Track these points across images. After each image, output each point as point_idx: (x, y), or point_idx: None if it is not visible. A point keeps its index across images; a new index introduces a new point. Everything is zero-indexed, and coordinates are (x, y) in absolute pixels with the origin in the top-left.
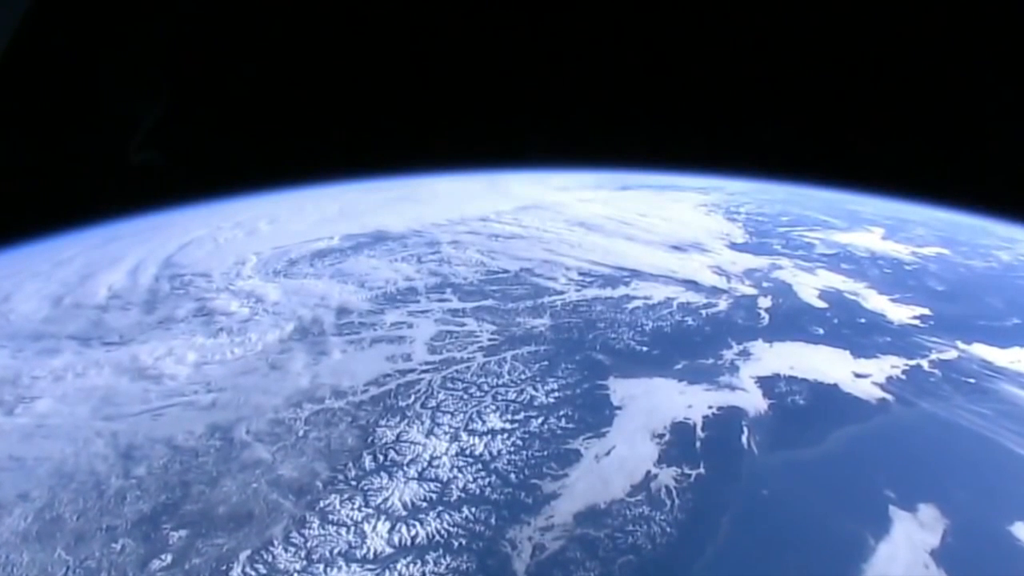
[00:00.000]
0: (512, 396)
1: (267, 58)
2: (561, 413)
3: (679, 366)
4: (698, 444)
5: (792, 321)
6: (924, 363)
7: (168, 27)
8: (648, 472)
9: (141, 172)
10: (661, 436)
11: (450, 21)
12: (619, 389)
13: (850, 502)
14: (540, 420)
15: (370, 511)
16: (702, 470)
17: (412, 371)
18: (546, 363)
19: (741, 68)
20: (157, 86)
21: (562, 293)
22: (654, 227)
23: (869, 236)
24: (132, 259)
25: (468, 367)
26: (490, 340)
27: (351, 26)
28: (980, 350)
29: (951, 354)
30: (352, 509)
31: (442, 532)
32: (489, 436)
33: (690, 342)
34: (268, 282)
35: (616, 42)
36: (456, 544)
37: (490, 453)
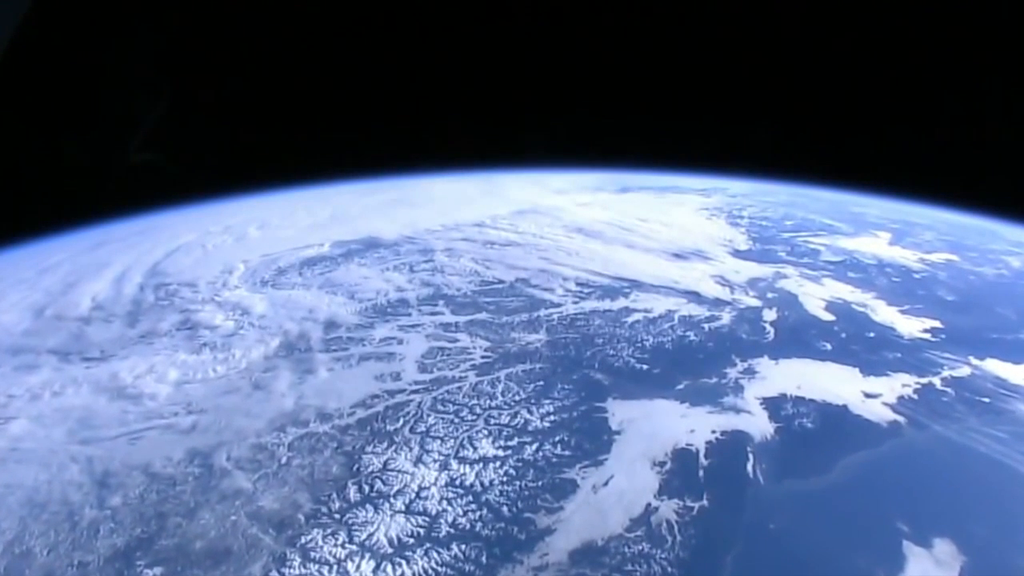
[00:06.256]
0: (505, 420)
1: (263, 58)
2: (557, 439)
3: (681, 386)
4: (701, 473)
5: (798, 336)
6: (936, 381)
7: (167, 28)
8: (648, 505)
9: (140, 172)
10: (662, 464)
11: (447, 19)
12: (618, 412)
13: (861, 537)
14: (535, 447)
15: (354, 548)
16: (705, 502)
17: (401, 391)
18: (541, 383)
19: (743, 67)
20: (157, 86)
21: (559, 306)
22: (655, 233)
23: (875, 241)
24: (118, 266)
25: (460, 387)
26: (483, 357)
27: (347, 25)
28: (993, 366)
29: (964, 371)
30: (335, 545)
31: (429, 572)
32: (481, 464)
33: (692, 359)
34: (255, 293)
35: (616, 40)
36: None
37: (481, 483)
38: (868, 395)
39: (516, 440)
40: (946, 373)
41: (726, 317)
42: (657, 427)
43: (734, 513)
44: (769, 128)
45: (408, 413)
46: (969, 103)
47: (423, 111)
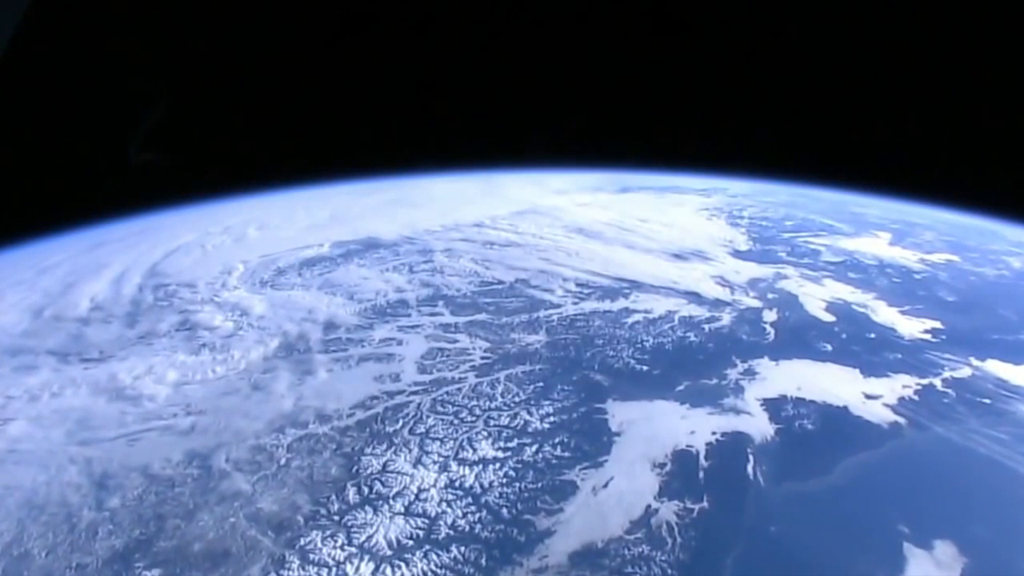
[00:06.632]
0: (505, 421)
1: (264, 57)
2: (556, 440)
3: (681, 387)
4: (701, 475)
5: (799, 336)
6: (937, 382)
7: (166, 28)
8: (648, 506)
9: (140, 172)
10: (662, 466)
11: (447, 18)
12: (618, 413)
13: (862, 539)
14: (534, 448)
15: (353, 550)
16: (705, 504)
17: (401, 393)
18: (541, 384)
19: (743, 67)
20: (156, 87)
21: (559, 306)
22: (655, 233)
23: (876, 241)
24: (117, 266)
25: (459, 388)
26: (483, 358)
27: (347, 25)
28: (994, 367)
29: (965, 372)
30: (334, 547)
31: (429, 574)
32: (480, 466)
33: (693, 360)
34: (254, 293)
35: (617, 40)
36: None
37: (481, 485)
38: (869, 396)
39: (516, 442)
40: (947, 374)
41: (726, 318)
42: (657, 428)
43: (734, 515)
44: (769, 128)
45: (407, 414)
46: (969, 103)
47: (423, 111)
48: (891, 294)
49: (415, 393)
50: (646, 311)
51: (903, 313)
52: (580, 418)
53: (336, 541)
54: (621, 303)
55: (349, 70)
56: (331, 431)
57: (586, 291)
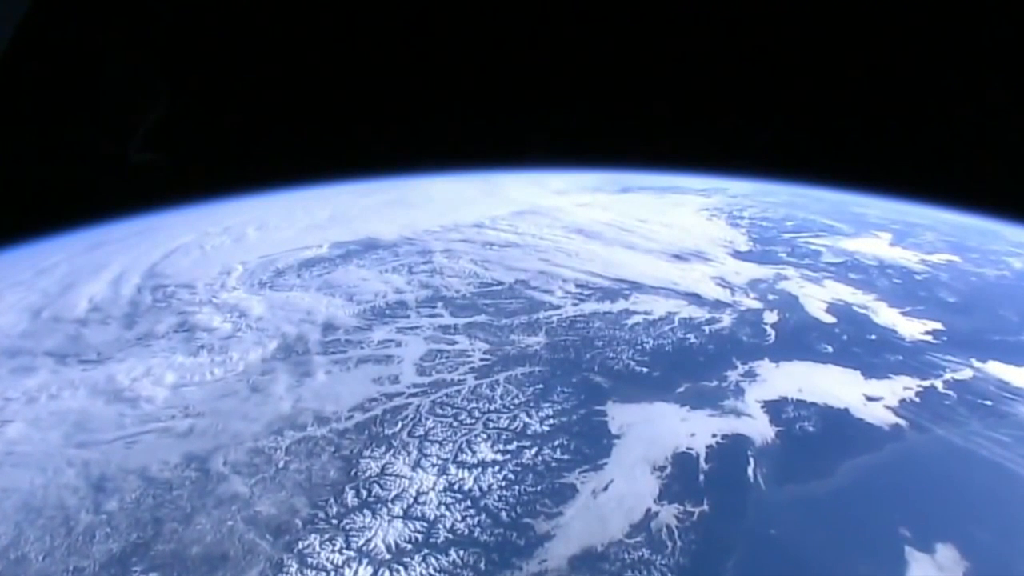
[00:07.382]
0: (504, 423)
1: (264, 58)
2: (556, 443)
3: (681, 389)
4: (701, 478)
5: (799, 338)
6: (938, 384)
7: (166, 28)
8: (648, 510)
9: (140, 172)
10: (662, 469)
11: (447, 19)
12: (618, 415)
13: (863, 542)
14: (534, 451)
15: (351, 554)
16: (705, 507)
17: (400, 395)
18: (541, 386)
19: (744, 66)
20: (156, 87)
21: (559, 308)
22: (655, 234)
23: (876, 242)
24: (116, 267)
25: (459, 390)
26: (482, 360)
27: (348, 25)
28: (996, 368)
29: (966, 373)
30: (332, 551)
31: None
32: (479, 469)
33: (693, 362)
34: (253, 295)
35: (617, 40)
36: None
37: (480, 488)
38: (870, 398)
39: (515, 444)
40: (948, 376)
41: (727, 319)
42: (657, 431)
43: (735, 518)
44: (769, 128)
45: (406, 417)
46: (970, 103)
47: (423, 111)
48: (892, 295)
49: (414, 395)
50: (646, 312)
51: (904, 314)
52: (580, 420)
53: (334, 545)
54: (621, 304)
55: (349, 70)
56: (329, 433)
57: (586, 292)
